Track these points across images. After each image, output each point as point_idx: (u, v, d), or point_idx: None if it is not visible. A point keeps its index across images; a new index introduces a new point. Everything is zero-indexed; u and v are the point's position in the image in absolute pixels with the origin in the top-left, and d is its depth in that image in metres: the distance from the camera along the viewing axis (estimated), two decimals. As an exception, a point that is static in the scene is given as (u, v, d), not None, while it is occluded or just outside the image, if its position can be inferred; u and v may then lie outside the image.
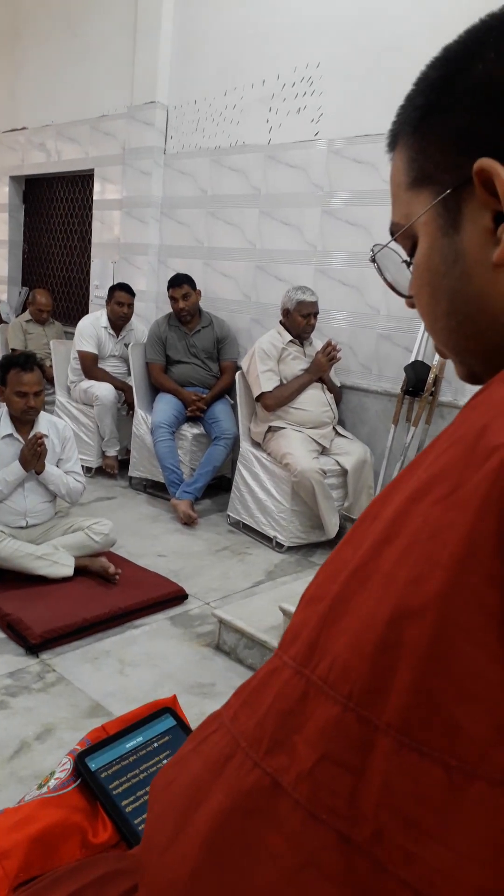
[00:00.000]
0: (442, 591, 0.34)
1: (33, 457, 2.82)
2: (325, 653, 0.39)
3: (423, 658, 0.34)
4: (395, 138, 0.54)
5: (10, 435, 2.88)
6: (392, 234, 0.56)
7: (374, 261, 0.60)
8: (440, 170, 0.49)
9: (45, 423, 2.98)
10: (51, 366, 4.69)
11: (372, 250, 0.60)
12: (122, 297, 4.42)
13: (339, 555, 0.43)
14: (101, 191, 5.30)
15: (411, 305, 0.57)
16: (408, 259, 0.56)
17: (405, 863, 0.33)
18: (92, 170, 5.39)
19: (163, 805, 0.45)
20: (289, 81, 3.97)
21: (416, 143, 0.51)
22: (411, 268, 0.55)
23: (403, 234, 0.54)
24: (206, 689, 2.28)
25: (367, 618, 0.37)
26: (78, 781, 0.84)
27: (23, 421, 2.91)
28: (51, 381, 4.66)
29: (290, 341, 3.62)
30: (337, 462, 3.48)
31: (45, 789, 0.82)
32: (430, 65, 0.50)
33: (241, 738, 0.41)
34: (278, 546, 3.46)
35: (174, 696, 1.00)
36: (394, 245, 0.57)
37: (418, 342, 3.43)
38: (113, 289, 4.47)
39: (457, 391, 3.36)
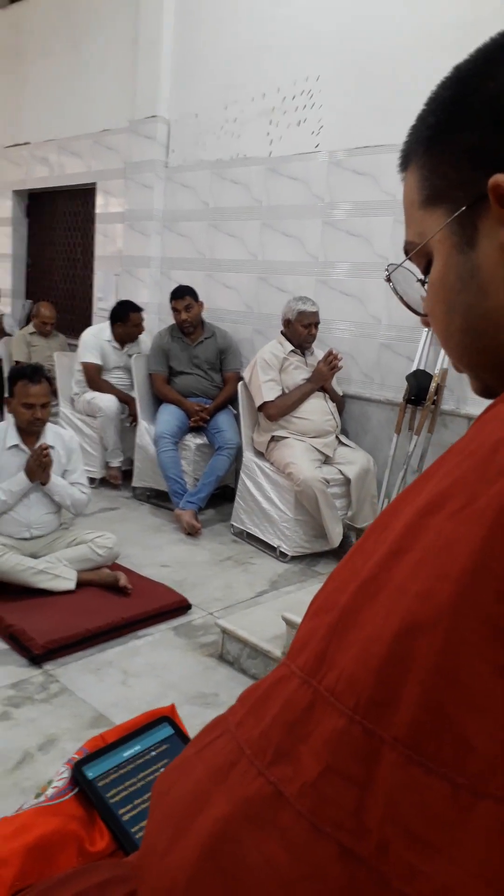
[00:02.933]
0: (451, 605, 0.34)
1: (39, 467, 2.83)
2: (333, 664, 0.38)
3: (431, 672, 0.34)
4: (408, 158, 0.54)
5: (17, 446, 2.90)
6: (406, 252, 0.56)
7: (388, 280, 0.61)
8: (454, 187, 0.49)
9: (51, 435, 2.99)
10: (54, 378, 4.72)
11: (386, 269, 0.61)
12: (137, 319, 4.42)
13: (348, 564, 0.43)
14: (104, 204, 5.35)
15: (426, 324, 0.58)
16: (422, 277, 0.56)
17: (409, 878, 0.33)
18: (94, 183, 5.44)
19: (164, 809, 0.45)
20: (289, 94, 4.01)
21: (429, 161, 0.51)
22: (426, 286, 0.55)
23: (418, 252, 0.54)
24: (209, 699, 2.28)
25: (375, 630, 0.37)
26: (75, 790, 0.84)
27: (29, 432, 2.92)
28: (55, 392, 4.68)
29: (292, 351, 3.64)
30: (340, 471, 3.48)
31: (42, 798, 0.83)
32: (442, 84, 0.51)
33: (246, 745, 0.41)
34: (282, 555, 3.46)
35: (172, 705, 1.01)
36: (408, 264, 0.58)
37: (420, 351, 3.44)
38: (126, 310, 4.41)
39: (459, 400, 3.37)
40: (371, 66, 3.58)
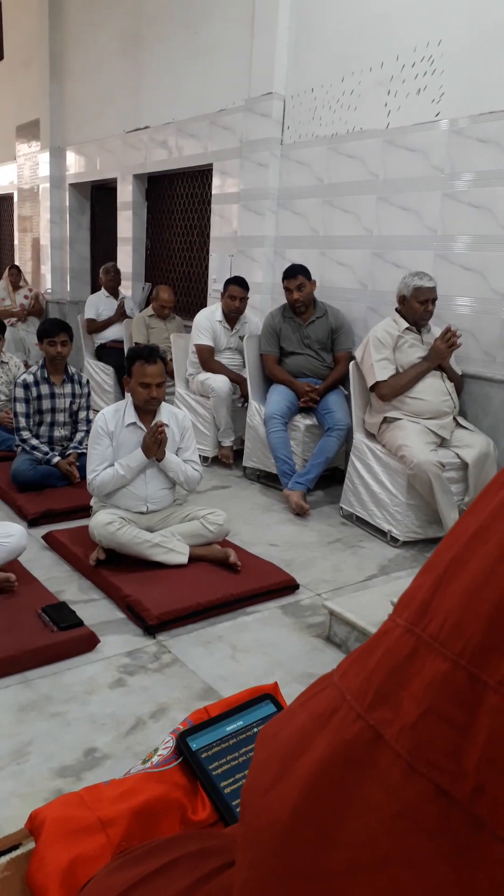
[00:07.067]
0: None
1: (154, 444, 2.94)
2: (437, 612, 0.39)
3: None
4: None
5: (134, 423, 3.01)
6: None
7: None
8: None
9: (166, 413, 3.09)
10: (171, 359, 4.85)
11: None
12: (234, 291, 4.49)
13: (460, 525, 0.44)
14: (220, 185, 5.39)
15: None
16: None
17: None
18: (211, 164, 5.49)
19: (268, 751, 0.47)
20: (408, 62, 3.85)
21: None
22: None
23: None
24: (315, 679, 2.28)
25: (483, 577, 0.37)
26: (179, 759, 0.86)
27: (145, 410, 3.03)
28: (171, 373, 4.82)
29: (407, 328, 3.53)
30: (457, 455, 3.35)
31: (148, 764, 0.85)
32: None
33: (348, 692, 0.42)
34: (393, 540, 3.40)
35: (275, 683, 1.01)
36: None
37: (546, 328, 3.24)
38: (228, 282, 4.56)
39: None
40: (496, 27, 3.37)
